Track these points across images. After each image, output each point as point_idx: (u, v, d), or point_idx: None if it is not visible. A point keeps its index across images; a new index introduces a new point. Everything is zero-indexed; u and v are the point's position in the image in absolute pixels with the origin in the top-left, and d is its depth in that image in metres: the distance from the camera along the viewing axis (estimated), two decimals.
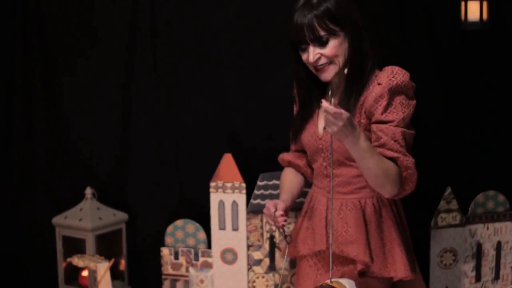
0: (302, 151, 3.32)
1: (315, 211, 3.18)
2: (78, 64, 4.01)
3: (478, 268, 3.80)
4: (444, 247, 3.76)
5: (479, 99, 3.86)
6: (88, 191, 4.00)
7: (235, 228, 3.78)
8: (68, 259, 3.76)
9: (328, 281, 2.83)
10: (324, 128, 3.06)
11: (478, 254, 3.79)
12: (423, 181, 3.93)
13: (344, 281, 2.83)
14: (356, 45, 2.99)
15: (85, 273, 3.98)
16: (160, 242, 3.90)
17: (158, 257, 3.91)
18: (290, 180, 3.31)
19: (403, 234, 3.14)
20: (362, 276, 3.05)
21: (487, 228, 3.79)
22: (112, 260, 3.67)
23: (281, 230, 3.05)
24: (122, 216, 4.02)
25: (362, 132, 2.83)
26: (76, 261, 3.71)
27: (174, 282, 3.89)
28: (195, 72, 3.87)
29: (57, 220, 3.98)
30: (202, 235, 3.85)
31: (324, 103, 2.66)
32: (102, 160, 4.04)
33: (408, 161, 2.94)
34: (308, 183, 3.36)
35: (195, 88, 3.88)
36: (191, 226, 3.84)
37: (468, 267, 3.79)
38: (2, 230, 4.15)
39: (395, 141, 2.91)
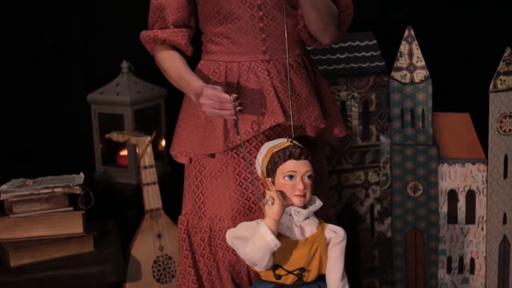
0: (183, 26, 2.80)
1: (249, 82, 2.75)
2: None
3: None
4: (503, 112, 3.54)
5: None
6: (124, 64, 3.79)
7: None
8: (107, 135, 3.59)
9: (288, 140, 2.63)
10: None
11: None
12: (480, 41, 3.76)
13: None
14: None
15: (123, 152, 3.80)
16: None
17: None
18: (183, 61, 2.78)
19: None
20: None
21: None
22: (154, 133, 3.49)
23: (236, 117, 2.61)
24: (161, 90, 3.82)
25: None
26: (116, 136, 3.54)
27: None
28: None
29: (92, 96, 3.79)
30: None
31: None
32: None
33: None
34: None
35: None
36: None
37: None
38: (36, 112, 3.97)
39: None
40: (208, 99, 2.55)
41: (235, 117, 2.57)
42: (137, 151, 3.54)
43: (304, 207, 2.62)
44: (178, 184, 3.43)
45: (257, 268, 2.63)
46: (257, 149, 2.76)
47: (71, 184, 3.28)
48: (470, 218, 3.61)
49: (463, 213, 3.61)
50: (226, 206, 2.80)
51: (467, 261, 3.64)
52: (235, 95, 2.55)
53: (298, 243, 2.62)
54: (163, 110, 3.84)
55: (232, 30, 2.75)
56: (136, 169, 3.68)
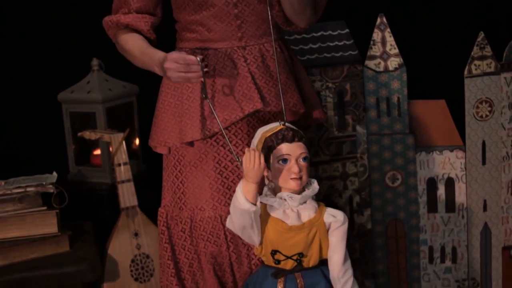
0: (147, 13, 2.76)
1: (226, 69, 2.72)
2: None
3: None
4: (479, 98, 3.52)
5: None
6: (95, 62, 3.73)
7: None
8: (79, 134, 3.53)
9: (280, 123, 2.59)
10: None
11: None
12: (453, 26, 3.75)
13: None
14: None
15: (97, 151, 3.74)
16: None
17: None
18: (144, 40, 2.72)
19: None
20: None
21: None
22: (128, 130, 3.43)
23: (204, 79, 2.56)
24: (132, 88, 3.76)
25: None
26: (88, 134, 3.49)
27: None
28: None
29: (63, 95, 3.72)
30: None
31: None
32: None
33: None
34: None
35: None
36: None
37: (505, 118, 3.55)
38: (6, 113, 3.90)
39: None
40: (173, 63, 2.51)
41: (202, 79, 2.52)
42: (111, 149, 3.48)
43: (303, 190, 2.58)
44: (153, 182, 3.39)
45: (255, 245, 2.61)
46: (236, 136, 2.73)
47: (44, 183, 3.21)
48: (450, 206, 3.58)
49: (443, 202, 3.58)
50: (206, 196, 2.75)
51: (449, 250, 3.61)
52: (201, 56, 2.52)
53: (294, 228, 2.57)
54: (136, 107, 3.78)
55: (207, 18, 2.71)
56: (110, 168, 3.62)
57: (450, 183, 3.57)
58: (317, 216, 2.58)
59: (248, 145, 2.72)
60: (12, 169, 3.48)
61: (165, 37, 2.87)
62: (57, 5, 3.90)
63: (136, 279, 3.43)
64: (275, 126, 2.60)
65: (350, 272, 2.63)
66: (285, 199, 2.55)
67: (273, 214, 2.58)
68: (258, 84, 2.72)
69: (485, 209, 3.58)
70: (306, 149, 2.56)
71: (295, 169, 2.52)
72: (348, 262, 2.63)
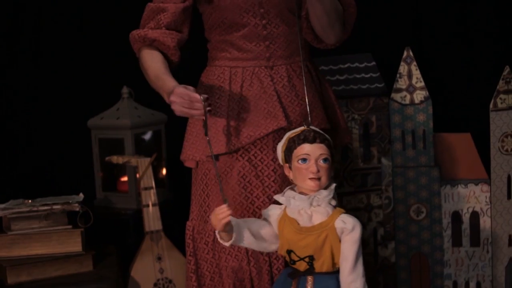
0: (175, 29, 2.80)
1: (253, 87, 2.79)
2: None
3: None
4: (505, 131, 3.53)
5: None
6: (125, 90, 3.80)
7: None
8: (107, 158, 3.57)
9: (305, 125, 2.63)
10: None
11: None
12: (479, 60, 3.78)
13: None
14: None
15: (124, 178, 3.78)
16: None
17: None
18: (164, 63, 2.75)
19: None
20: None
21: None
22: (155, 154, 3.48)
23: (206, 118, 2.57)
24: (161, 116, 3.81)
25: None
26: (116, 158, 3.54)
27: None
28: None
29: (92, 121, 3.78)
30: None
31: None
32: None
33: None
34: None
35: None
36: None
37: None
38: (37, 140, 3.98)
39: None
40: (178, 97, 2.55)
41: (204, 117, 2.56)
42: (137, 175, 3.52)
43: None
44: (179, 210, 3.42)
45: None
46: (262, 152, 2.77)
47: (70, 201, 3.25)
48: (475, 240, 3.56)
49: (468, 236, 3.56)
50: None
51: (473, 285, 3.58)
52: (205, 96, 2.56)
53: (304, 229, 2.58)
54: (164, 136, 3.83)
55: (237, 38, 2.79)
56: (137, 193, 3.65)
57: (475, 217, 3.56)
58: (328, 220, 2.58)
59: (273, 160, 2.76)
60: (39, 193, 3.52)
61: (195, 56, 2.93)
62: (90, 34, 3.98)
63: None
64: (300, 128, 2.65)
65: (358, 283, 2.56)
66: (293, 198, 2.58)
67: (290, 213, 2.61)
68: (283, 103, 2.77)
69: (510, 243, 3.55)
70: (327, 151, 2.58)
71: (313, 169, 2.54)
72: (358, 273, 2.56)
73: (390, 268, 3.64)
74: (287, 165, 2.62)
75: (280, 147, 2.66)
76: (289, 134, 2.64)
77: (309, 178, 2.55)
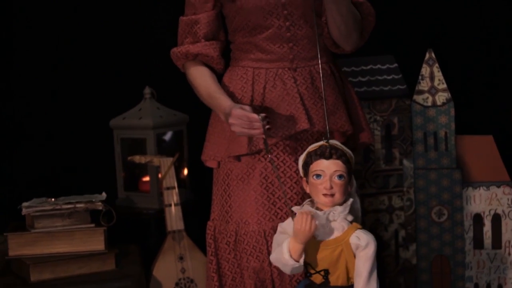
0: (213, 39, 2.82)
1: (276, 88, 2.81)
2: None
3: None
4: None
5: None
6: (147, 90, 3.82)
7: None
8: (129, 158, 3.59)
9: (324, 140, 2.61)
10: None
11: None
12: (502, 62, 3.77)
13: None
14: None
15: (146, 178, 3.80)
16: None
17: None
18: (213, 78, 2.79)
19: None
20: None
21: None
22: (177, 154, 3.49)
23: (266, 136, 2.61)
24: (183, 117, 3.83)
25: None
26: (138, 158, 3.56)
27: None
28: None
29: (114, 122, 3.80)
30: None
31: None
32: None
33: (370, 7, 2.79)
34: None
35: None
36: None
37: None
38: (60, 140, 4.01)
39: None
40: (237, 119, 2.57)
41: (264, 136, 2.59)
42: (160, 174, 3.53)
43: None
44: (201, 211, 3.43)
45: None
46: (284, 153, 2.77)
47: (93, 200, 3.27)
48: (497, 242, 3.56)
49: (489, 238, 3.56)
50: (251, 210, 2.78)
51: (494, 287, 3.57)
52: (263, 114, 2.58)
53: (320, 243, 2.58)
54: (186, 136, 3.84)
55: (261, 40, 2.79)
56: (159, 193, 3.67)
57: (496, 219, 3.55)
58: (343, 235, 2.57)
59: (295, 162, 2.76)
60: (61, 192, 3.53)
61: None
62: (113, 34, 4.01)
63: None
64: (319, 143, 2.64)
65: None
66: None
67: None
68: (306, 105, 2.77)
69: None
70: (343, 167, 2.56)
71: (327, 185, 2.53)
72: None
73: (411, 270, 3.63)
74: (305, 179, 2.61)
75: (300, 159, 2.65)
76: (309, 148, 2.63)
77: (323, 194, 2.55)
